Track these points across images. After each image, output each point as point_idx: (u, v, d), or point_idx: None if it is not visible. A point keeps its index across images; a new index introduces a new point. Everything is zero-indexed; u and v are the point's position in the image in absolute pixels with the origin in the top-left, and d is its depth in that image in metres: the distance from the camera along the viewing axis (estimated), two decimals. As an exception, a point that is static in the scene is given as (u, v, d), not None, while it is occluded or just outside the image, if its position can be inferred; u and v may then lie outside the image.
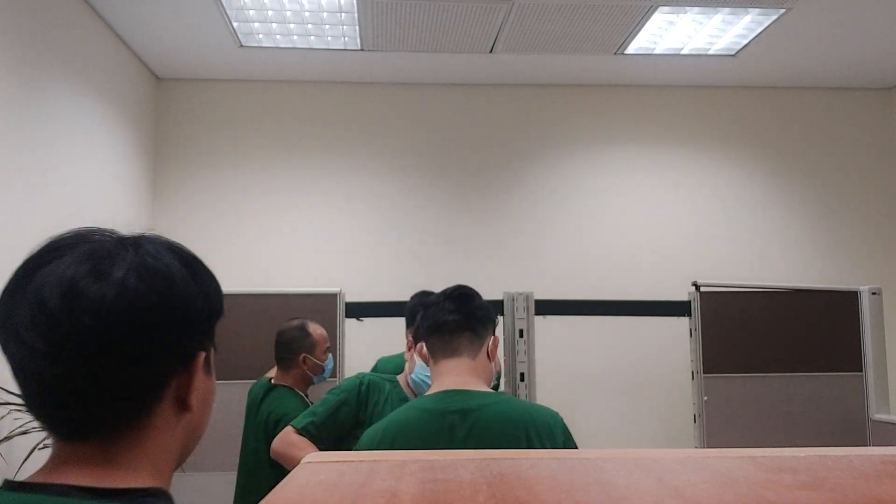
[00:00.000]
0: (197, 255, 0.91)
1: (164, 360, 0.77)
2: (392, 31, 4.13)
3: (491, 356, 1.84)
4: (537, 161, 5.05)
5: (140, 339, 0.75)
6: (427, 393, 1.78)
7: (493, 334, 1.86)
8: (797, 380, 3.84)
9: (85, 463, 0.74)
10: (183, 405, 0.79)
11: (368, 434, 1.73)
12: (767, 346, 3.86)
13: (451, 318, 1.80)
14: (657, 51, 4.47)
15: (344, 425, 2.26)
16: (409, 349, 2.34)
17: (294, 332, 2.86)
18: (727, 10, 3.91)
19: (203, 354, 0.82)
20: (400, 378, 2.40)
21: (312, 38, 4.26)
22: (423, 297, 2.38)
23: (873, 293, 3.90)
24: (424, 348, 1.86)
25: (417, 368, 2.27)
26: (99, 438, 0.75)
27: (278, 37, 4.25)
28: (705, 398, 3.79)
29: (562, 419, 1.73)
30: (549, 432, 1.69)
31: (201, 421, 0.84)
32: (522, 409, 1.73)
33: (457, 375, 1.77)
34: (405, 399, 2.32)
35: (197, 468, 3.37)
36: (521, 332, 3.59)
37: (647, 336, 4.83)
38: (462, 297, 1.84)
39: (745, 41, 4.34)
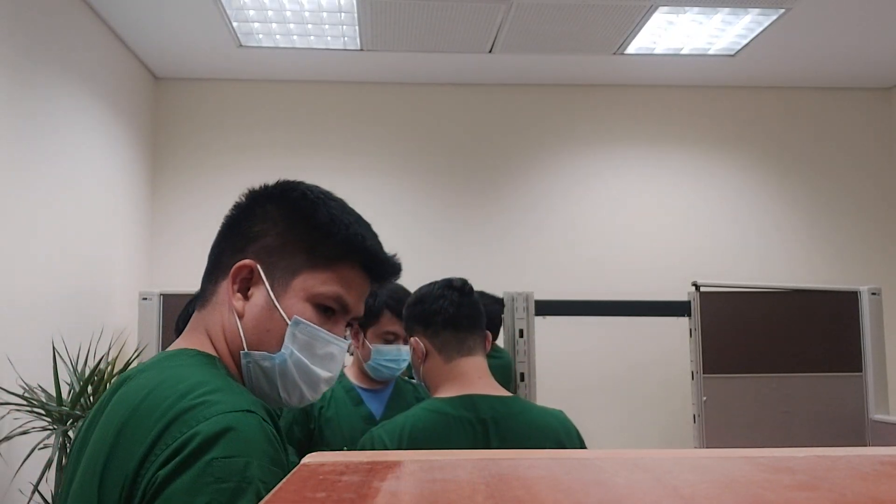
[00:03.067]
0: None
1: None
2: (391, 31, 4.13)
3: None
4: (537, 161, 5.05)
5: None
6: (443, 395, 1.65)
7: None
8: (797, 380, 3.84)
9: None
10: None
11: (384, 436, 1.59)
12: (767, 346, 3.86)
13: (465, 312, 1.69)
14: (657, 51, 4.47)
15: (302, 443, 2.21)
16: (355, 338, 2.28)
17: None
18: (727, 10, 3.91)
19: None
20: (346, 370, 2.32)
21: (312, 38, 4.26)
22: None
23: (873, 293, 3.90)
24: (422, 343, 1.71)
25: (374, 354, 2.19)
26: None
27: (278, 37, 4.25)
28: (705, 398, 3.79)
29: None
30: (576, 436, 1.68)
31: None
32: (549, 415, 1.67)
33: (479, 378, 1.66)
34: (352, 390, 2.26)
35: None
36: (521, 332, 3.59)
37: (646, 336, 4.83)
38: (471, 292, 1.75)
39: (745, 41, 4.35)
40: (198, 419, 0.88)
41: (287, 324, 1.03)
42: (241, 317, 1.03)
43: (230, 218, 1.10)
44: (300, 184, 1.11)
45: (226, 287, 1.05)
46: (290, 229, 1.05)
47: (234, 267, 1.04)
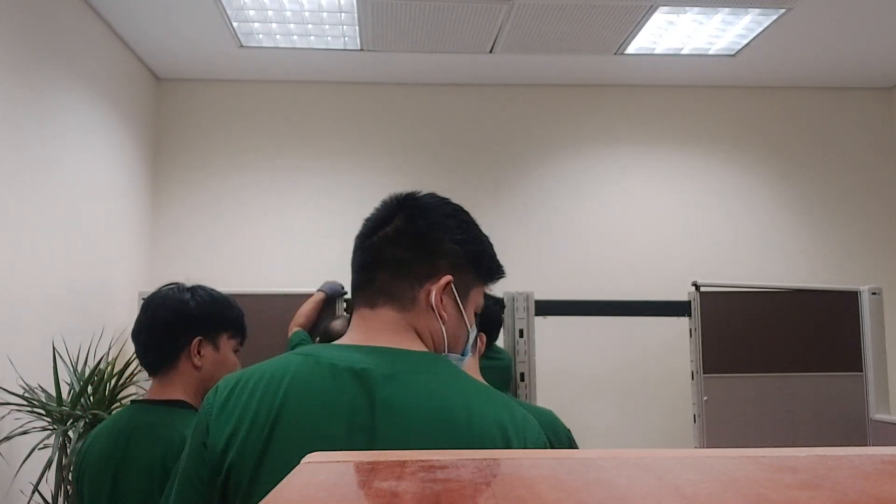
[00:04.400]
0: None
1: None
2: (392, 32, 4.13)
3: None
4: (537, 161, 5.05)
5: None
6: None
7: None
8: (797, 380, 3.84)
9: None
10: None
11: None
12: (767, 346, 3.86)
13: None
14: (657, 51, 4.47)
15: None
16: None
17: (346, 324, 3.08)
18: (727, 10, 3.91)
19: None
20: None
21: (312, 38, 4.26)
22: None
23: (873, 293, 3.90)
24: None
25: None
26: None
27: (278, 37, 4.25)
28: (705, 398, 3.79)
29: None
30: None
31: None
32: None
33: (472, 374, 1.77)
34: None
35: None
36: (521, 332, 3.59)
37: (647, 336, 4.83)
38: None
39: (745, 41, 4.35)
40: (535, 426, 1.08)
41: (468, 331, 1.21)
42: (444, 323, 1.17)
43: (415, 231, 1.19)
44: (454, 204, 1.29)
45: (426, 295, 1.16)
46: (470, 250, 1.21)
47: (444, 282, 1.16)
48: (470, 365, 1.77)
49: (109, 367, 3.13)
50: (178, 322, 1.76)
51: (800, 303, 3.94)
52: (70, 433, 2.81)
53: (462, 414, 1.02)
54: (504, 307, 3.37)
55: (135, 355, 3.43)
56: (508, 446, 1.01)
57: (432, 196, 1.25)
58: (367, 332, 1.15)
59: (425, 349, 1.15)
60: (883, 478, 0.42)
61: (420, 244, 1.17)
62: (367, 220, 1.23)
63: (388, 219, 1.20)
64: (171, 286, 1.85)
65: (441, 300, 1.16)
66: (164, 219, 4.81)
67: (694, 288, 3.92)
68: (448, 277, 1.16)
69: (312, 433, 1.02)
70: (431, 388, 1.05)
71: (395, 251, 1.17)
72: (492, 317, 3.24)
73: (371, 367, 1.06)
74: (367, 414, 1.02)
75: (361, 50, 4.42)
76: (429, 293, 1.15)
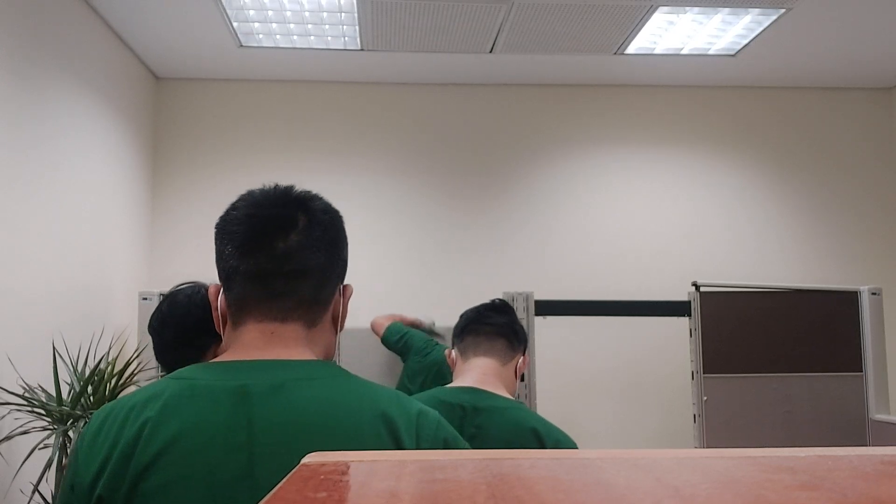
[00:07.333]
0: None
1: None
2: (392, 31, 4.13)
3: (518, 372, 1.88)
4: (537, 161, 5.05)
5: None
6: (449, 386, 1.81)
7: (524, 354, 1.91)
8: (797, 380, 3.84)
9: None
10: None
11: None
12: (767, 346, 3.86)
13: (490, 321, 1.87)
14: (657, 51, 4.47)
15: None
16: None
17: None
18: (727, 10, 3.91)
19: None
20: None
21: (312, 38, 4.26)
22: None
23: (873, 293, 3.90)
24: (454, 353, 1.89)
25: None
26: None
27: (278, 37, 4.25)
28: (705, 398, 3.79)
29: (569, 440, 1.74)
30: (556, 447, 1.70)
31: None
32: (535, 419, 1.73)
33: (483, 374, 1.79)
34: None
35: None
36: (520, 332, 3.58)
37: (647, 336, 4.83)
38: (504, 308, 1.92)
39: (745, 41, 4.35)
40: (433, 421, 1.03)
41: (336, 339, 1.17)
42: (339, 332, 1.14)
43: (331, 239, 1.12)
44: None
45: (334, 304, 1.12)
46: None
47: (348, 289, 1.14)
48: (514, 381, 1.86)
49: (109, 367, 3.13)
50: (210, 323, 1.76)
51: (799, 303, 3.94)
52: (70, 433, 2.82)
53: (347, 418, 0.98)
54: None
55: (135, 355, 3.44)
56: (399, 444, 0.98)
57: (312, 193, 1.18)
58: (267, 347, 1.06)
59: (315, 357, 1.08)
60: (882, 478, 0.42)
61: (337, 253, 1.11)
62: (252, 216, 1.09)
63: (287, 218, 1.10)
64: (193, 285, 1.84)
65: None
66: (164, 218, 4.81)
67: (694, 288, 3.92)
68: (349, 284, 1.13)
69: (189, 458, 0.96)
70: (316, 396, 1.00)
71: (315, 258, 1.08)
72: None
73: (251, 383, 1.00)
74: (244, 432, 0.97)
75: (361, 50, 4.42)
76: (336, 303, 1.11)
